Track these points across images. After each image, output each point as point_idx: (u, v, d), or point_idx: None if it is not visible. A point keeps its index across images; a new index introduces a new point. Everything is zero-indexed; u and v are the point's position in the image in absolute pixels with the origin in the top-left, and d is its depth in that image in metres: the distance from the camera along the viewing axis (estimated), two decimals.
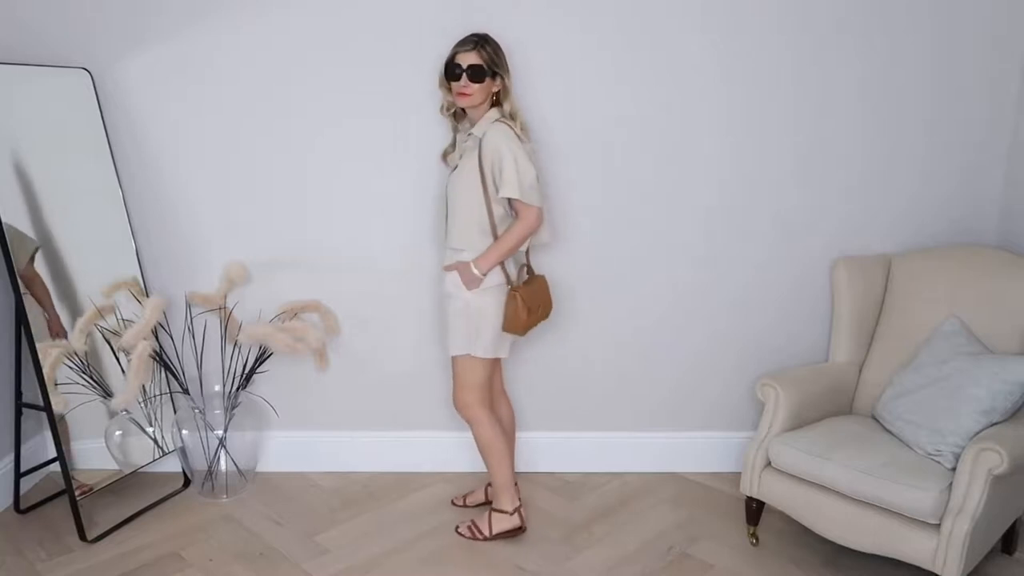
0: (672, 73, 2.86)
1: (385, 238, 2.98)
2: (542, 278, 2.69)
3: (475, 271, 2.50)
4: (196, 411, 2.96)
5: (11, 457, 2.84)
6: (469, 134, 2.56)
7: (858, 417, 2.74)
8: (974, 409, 2.35)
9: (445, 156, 2.72)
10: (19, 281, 2.55)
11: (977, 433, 2.31)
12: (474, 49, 2.46)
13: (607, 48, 2.84)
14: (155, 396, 2.94)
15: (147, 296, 2.88)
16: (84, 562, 2.55)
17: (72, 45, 2.80)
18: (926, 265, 2.80)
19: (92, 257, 2.84)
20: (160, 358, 2.85)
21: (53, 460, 2.92)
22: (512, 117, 2.54)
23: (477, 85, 2.46)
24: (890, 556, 2.33)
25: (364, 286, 3.01)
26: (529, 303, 2.55)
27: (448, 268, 2.56)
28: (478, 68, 2.45)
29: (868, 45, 2.85)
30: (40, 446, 3.05)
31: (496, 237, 2.52)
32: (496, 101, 2.53)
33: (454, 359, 2.62)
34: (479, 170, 2.47)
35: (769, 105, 2.90)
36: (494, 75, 2.49)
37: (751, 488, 2.63)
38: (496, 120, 2.50)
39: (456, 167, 2.58)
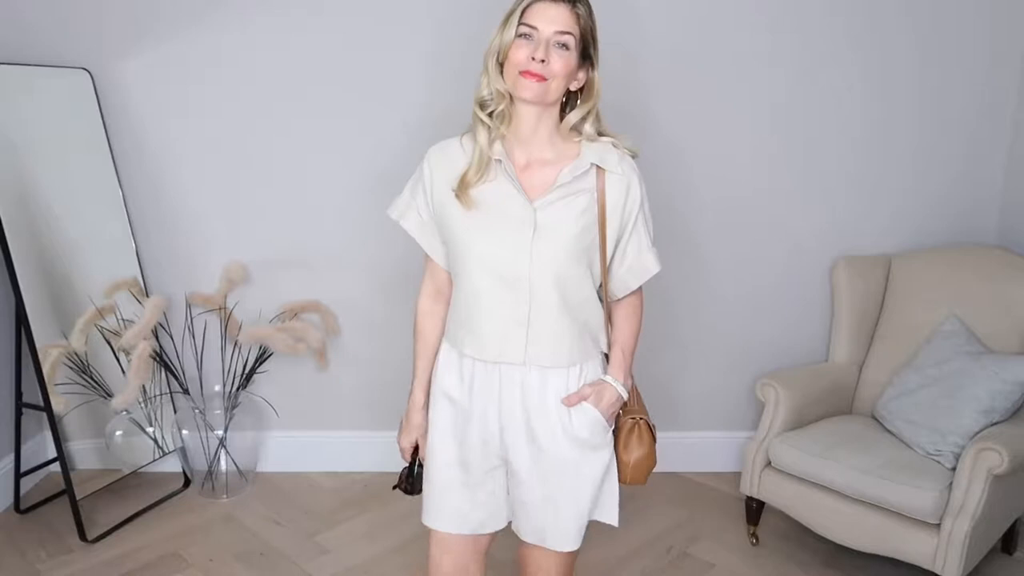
0: (669, 75, 2.87)
1: (386, 238, 2.98)
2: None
3: (623, 393, 1.61)
4: (196, 411, 2.96)
5: (11, 457, 2.84)
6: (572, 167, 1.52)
7: (858, 417, 2.74)
8: (974, 409, 2.35)
9: (464, 187, 1.51)
10: (18, 281, 2.55)
11: (977, 433, 2.31)
12: (568, 2, 1.45)
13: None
14: (155, 396, 2.94)
15: (147, 296, 2.87)
16: (84, 562, 2.55)
17: (72, 45, 2.80)
18: (926, 265, 2.80)
19: (92, 257, 2.84)
20: (160, 358, 2.85)
21: (53, 460, 2.92)
22: (601, 135, 1.57)
23: (563, 64, 1.45)
24: (890, 556, 2.33)
25: (364, 286, 3.01)
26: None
27: (576, 399, 1.55)
28: (569, 39, 1.45)
29: (865, 42, 2.85)
30: (40, 446, 3.05)
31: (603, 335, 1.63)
32: (564, 103, 1.55)
33: (560, 559, 1.65)
34: (600, 225, 1.53)
35: (767, 104, 2.90)
36: (583, 58, 1.49)
37: (751, 488, 2.63)
38: (610, 142, 1.55)
39: (507, 214, 1.50)
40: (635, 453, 1.59)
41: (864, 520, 2.36)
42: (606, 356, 1.65)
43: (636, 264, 1.59)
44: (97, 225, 2.87)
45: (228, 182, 2.94)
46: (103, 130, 2.85)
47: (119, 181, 2.89)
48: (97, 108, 2.83)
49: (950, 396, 2.42)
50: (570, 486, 1.56)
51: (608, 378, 1.59)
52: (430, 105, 2.78)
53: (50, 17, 2.79)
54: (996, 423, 2.34)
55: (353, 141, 2.89)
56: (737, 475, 2.79)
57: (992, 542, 2.40)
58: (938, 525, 2.24)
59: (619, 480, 1.62)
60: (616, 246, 1.56)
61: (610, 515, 1.63)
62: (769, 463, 2.59)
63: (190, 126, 2.89)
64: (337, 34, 2.81)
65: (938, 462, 2.35)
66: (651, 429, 1.63)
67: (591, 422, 1.55)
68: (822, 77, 2.88)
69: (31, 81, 2.71)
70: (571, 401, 1.55)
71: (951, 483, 2.25)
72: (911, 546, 2.28)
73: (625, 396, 1.61)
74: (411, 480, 1.75)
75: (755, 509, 2.68)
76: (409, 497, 1.78)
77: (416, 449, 1.73)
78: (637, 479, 1.62)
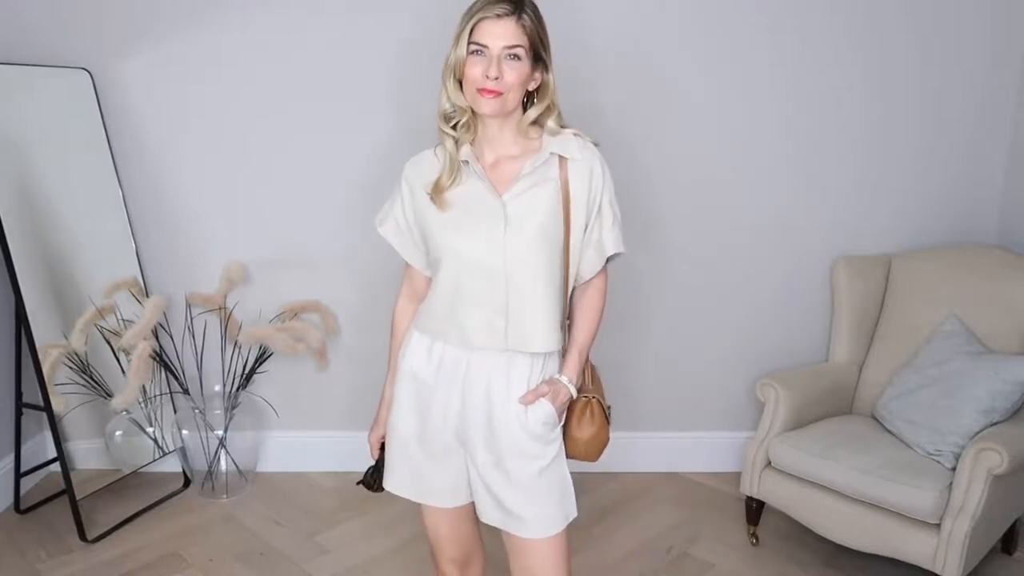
0: (669, 75, 2.87)
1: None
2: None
3: (573, 394, 1.64)
4: (196, 411, 2.96)
5: (11, 457, 2.84)
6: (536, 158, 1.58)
7: (858, 417, 2.74)
8: (974, 409, 2.35)
9: (438, 191, 1.60)
10: (18, 281, 2.55)
11: (977, 433, 2.31)
12: (513, 16, 1.50)
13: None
14: (155, 396, 2.94)
15: (147, 296, 2.88)
16: (84, 562, 2.55)
17: (72, 45, 2.80)
18: (926, 265, 2.80)
19: (92, 257, 2.84)
20: (160, 358, 2.85)
21: (53, 460, 2.92)
22: (562, 128, 1.63)
23: (516, 75, 1.51)
24: (890, 556, 2.33)
25: (365, 286, 3.01)
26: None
27: (533, 397, 1.60)
28: (519, 50, 1.51)
29: (865, 42, 2.85)
30: (40, 446, 3.05)
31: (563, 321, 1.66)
32: (526, 101, 1.60)
33: (543, 546, 1.62)
34: (564, 213, 1.59)
35: (767, 105, 2.90)
36: (535, 61, 1.55)
37: (751, 488, 2.63)
38: (574, 133, 1.61)
39: (475, 208, 1.58)
40: (587, 431, 1.64)
41: (864, 520, 2.36)
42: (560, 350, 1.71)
43: (599, 245, 1.64)
44: (97, 225, 2.87)
45: (228, 182, 2.94)
46: (103, 130, 2.85)
47: (119, 181, 2.89)
48: (97, 108, 2.83)
49: (950, 396, 2.42)
50: (522, 474, 1.59)
51: (563, 379, 1.64)
52: (433, 105, 2.77)
53: (50, 17, 2.79)
54: (996, 423, 2.34)
55: (354, 141, 2.89)
56: (737, 475, 2.79)
57: (992, 542, 2.40)
58: (938, 525, 2.24)
59: (572, 455, 1.66)
60: (584, 230, 1.61)
61: (568, 508, 1.65)
62: (769, 463, 2.59)
63: (190, 126, 2.89)
64: (338, 34, 2.81)
65: (938, 462, 2.35)
66: (603, 408, 1.67)
67: (545, 416, 1.60)
68: (822, 77, 2.88)
69: (31, 81, 2.71)
70: (528, 400, 1.59)
71: (951, 483, 2.25)
72: (911, 546, 2.28)
73: (575, 396, 1.65)
74: (375, 477, 1.82)
75: (755, 509, 2.68)
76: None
77: (383, 447, 1.79)
78: (589, 456, 1.66)
